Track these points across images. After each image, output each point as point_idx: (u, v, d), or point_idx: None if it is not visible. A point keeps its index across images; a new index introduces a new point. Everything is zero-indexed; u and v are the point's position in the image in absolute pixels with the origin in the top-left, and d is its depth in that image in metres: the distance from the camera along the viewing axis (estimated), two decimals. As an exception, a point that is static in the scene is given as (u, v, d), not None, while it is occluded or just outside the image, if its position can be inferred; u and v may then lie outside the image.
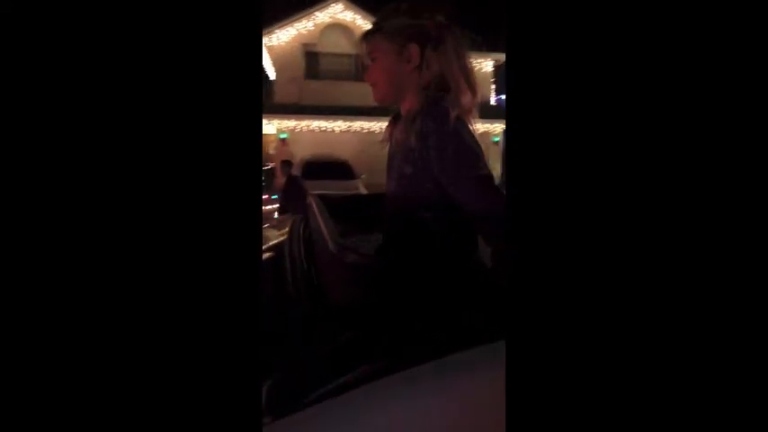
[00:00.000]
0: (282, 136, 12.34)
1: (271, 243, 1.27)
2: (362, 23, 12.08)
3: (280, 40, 12.62)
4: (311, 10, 12.53)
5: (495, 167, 12.20)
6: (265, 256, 1.16)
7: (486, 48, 12.25)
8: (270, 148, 14.93)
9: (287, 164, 5.95)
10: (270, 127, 13.58)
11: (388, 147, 1.01)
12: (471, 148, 0.85)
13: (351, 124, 12.70)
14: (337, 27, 12.78)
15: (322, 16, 12.71)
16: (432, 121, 0.85)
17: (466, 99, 0.90)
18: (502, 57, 12.37)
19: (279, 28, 12.56)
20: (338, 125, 12.82)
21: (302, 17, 12.55)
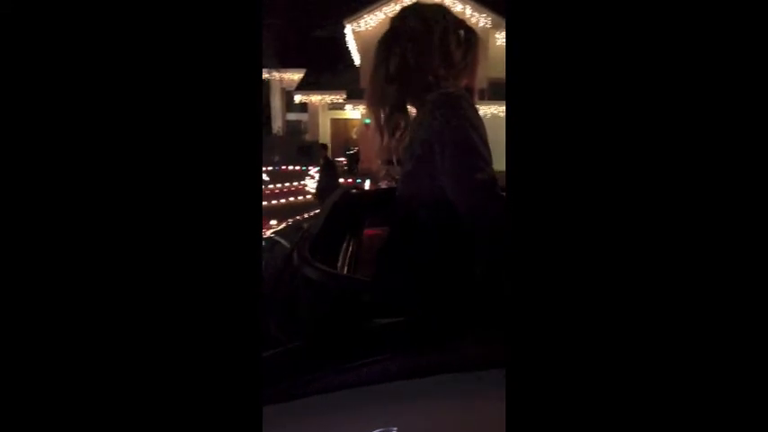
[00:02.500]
0: (367, 121, 12.51)
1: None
2: (450, 4, 11.77)
3: (368, 24, 12.68)
4: (400, -7, 12.42)
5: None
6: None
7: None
8: (353, 133, 15.18)
9: (323, 147, 6.02)
10: (355, 112, 13.78)
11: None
12: (474, 147, 0.79)
13: (435, 109, 12.45)
14: (425, 10, 12.52)
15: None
16: (434, 116, 0.81)
17: (468, 87, 0.88)
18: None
19: (367, 13, 12.62)
20: (422, 110, 12.63)
21: (391, 1, 12.49)
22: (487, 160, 0.79)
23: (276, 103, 16.59)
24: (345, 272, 1.08)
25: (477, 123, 0.81)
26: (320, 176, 5.77)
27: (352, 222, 1.34)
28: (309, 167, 11.90)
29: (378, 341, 0.69)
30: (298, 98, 14.86)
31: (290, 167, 11.82)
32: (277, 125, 16.43)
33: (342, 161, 13.45)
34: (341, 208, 1.32)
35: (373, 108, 0.94)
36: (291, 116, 16.76)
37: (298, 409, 0.63)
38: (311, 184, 9.69)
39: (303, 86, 14.74)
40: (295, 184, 9.60)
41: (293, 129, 16.34)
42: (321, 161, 5.89)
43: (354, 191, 1.51)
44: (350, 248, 1.22)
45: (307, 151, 13.45)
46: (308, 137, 15.41)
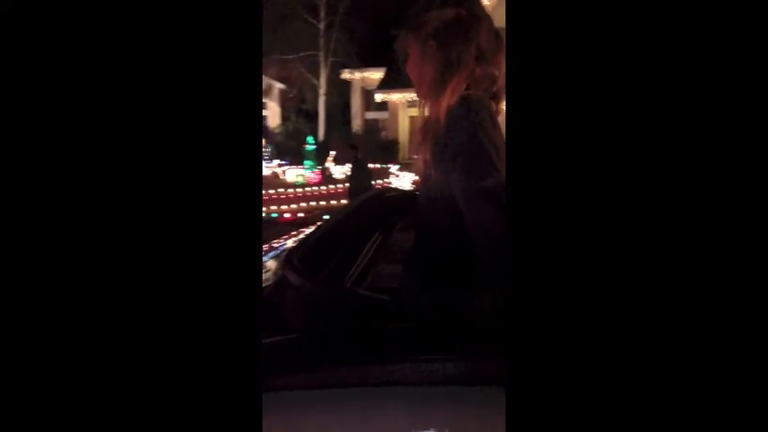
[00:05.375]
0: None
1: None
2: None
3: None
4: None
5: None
6: None
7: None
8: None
9: (353, 147, 5.95)
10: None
11: None
12: (484, 154, 0.75)
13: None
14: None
15: (495, -7, 12.26)
16: (452, 121, 0.79)
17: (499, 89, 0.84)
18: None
19: (450, 9, 12.49)
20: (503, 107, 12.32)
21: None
22: (498, 168, 0.75)
23: (356, 102, 16.95)
24: (361, 271, 1.06)
25: (491, 129, 0.78)
26: (351, 176, 5.75)
27: (383, 223, 1.31)
28: (389, 165, 12.05)
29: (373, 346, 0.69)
30: (378, 97, 15.09)
31: (370, 165, 12.03)
32: (356, 124, 16.80)
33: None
34: (369, 209, 1.29)
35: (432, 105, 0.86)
36: (370, 115, 17.04)
37: (340, 399, 0.64)
38: (395, 182, 9.81)
39: (384, 85, 14.93)
40: (380, 182, 9.78)
41: (371, 127, 16.62)
42: (352, 161, 5.88)
43: (390, 193, 1.48)
44: (371, 249, 1.18)
45: (388, 148, 13.64)
46: (387, 134, 15.61)
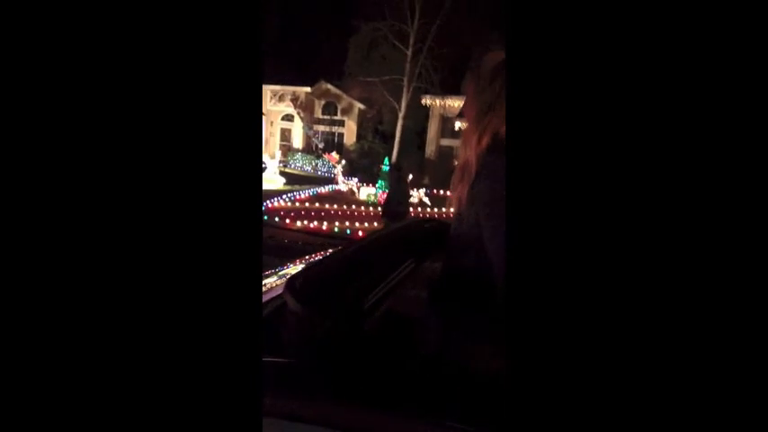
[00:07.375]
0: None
1: None
2: None
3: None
4: None
5: None
6: None
7: None
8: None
9: (397, 168, 5.77)
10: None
11: None
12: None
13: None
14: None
15: None
16: (481, 166, 0.78)
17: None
18: None
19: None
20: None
21: None
22: None
23: (433, 128, 17.14)
24: (380, 297, 1.02)
25: None
26: (388, 197, 5.64)
27: (415, 252, 1.29)
28: (461, 194, 11.99)
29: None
30: (458, 125, 15.16)
31: (439, 192, 12.05)
32: (430, 149, 16.94)
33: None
34: (400, 237, 1.27)
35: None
36: (445, 141, 17.14)
37: None
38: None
39: (463, 114, 14.99)
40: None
41: (445, 153, 16.69)
42: (394, 181, 5.78)
43: (429, 223, 1.46)
44: (396, 278, 1.14)
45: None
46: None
